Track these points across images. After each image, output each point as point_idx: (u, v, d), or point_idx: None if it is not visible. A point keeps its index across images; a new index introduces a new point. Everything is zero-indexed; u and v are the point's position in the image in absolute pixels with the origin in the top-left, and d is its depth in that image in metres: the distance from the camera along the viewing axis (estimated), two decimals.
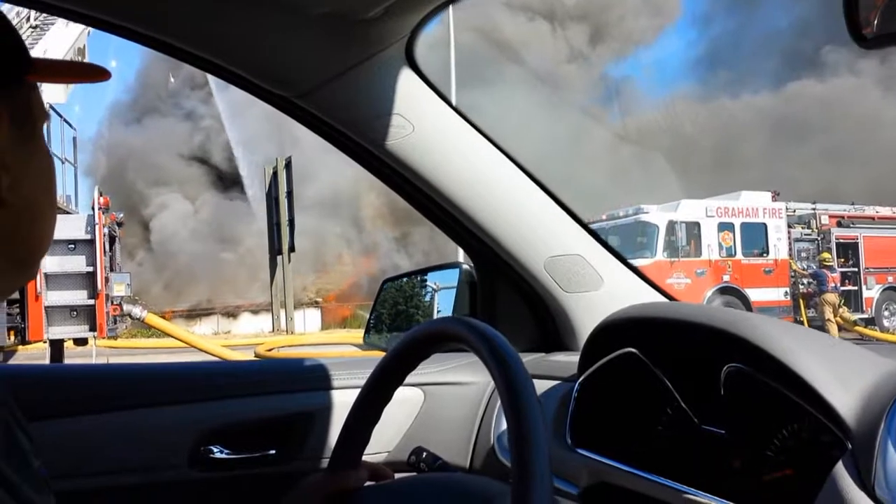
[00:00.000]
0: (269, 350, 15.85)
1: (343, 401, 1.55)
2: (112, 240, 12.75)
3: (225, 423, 1.50)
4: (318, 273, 29.24)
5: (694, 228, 18.12)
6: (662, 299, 1.68)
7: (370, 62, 1.40)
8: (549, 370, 1.53)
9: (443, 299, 2.01)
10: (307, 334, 20.83)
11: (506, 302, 1.74)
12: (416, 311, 2.07)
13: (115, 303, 12.59)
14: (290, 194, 19.57)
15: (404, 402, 1.61)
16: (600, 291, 1.65)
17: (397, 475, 1.43)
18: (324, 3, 1.23)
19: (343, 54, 1.38)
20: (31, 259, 0.76)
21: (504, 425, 1.56)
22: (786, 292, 18.79)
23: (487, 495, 0.93)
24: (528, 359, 1.67)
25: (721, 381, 1.10)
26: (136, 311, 13.66)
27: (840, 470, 0.86)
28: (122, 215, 14.09)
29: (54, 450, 1.32)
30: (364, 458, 1.09)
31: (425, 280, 2.07)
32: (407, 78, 1.47)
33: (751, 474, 1.09)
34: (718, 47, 37.36)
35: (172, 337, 14.52)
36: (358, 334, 18.09)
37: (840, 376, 0.94)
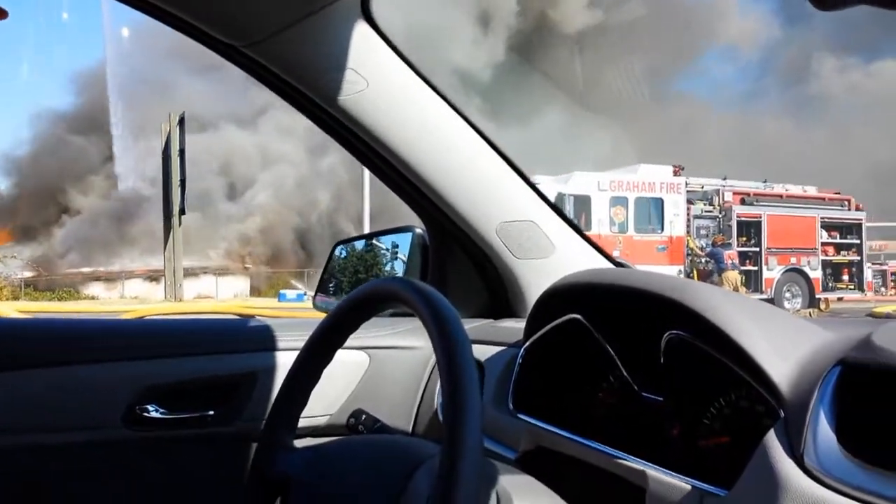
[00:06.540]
0: (140, 318, 15.05)
1: (286, 362, 1.51)
2: None
3: (162, 382, 1.46)
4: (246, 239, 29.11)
5: (584, 202, 17.46)
6: (613, 267, 1.67)
7: (324, 12, 1.34)
8: (497, 336, 1.52)
9: (400, 265, 1.98)
10: (185, 302, 19.60)
11: (457, 267, 1.72)
12: (368, 276, 2.04)
13: None
14: (182, 153, 18.44)
15: (349, 365, 1.59)
16: (551, 258, 1.64)
17: (335, 437, 1.41)
18: None
19: (296, 2, 1.32)
20: None
21: None
22: (679, 270, 17.83)
23: (420, 456, 0.92)
24: (476, 324, 1.66)
25: (661, 348, 1.10)
26: None
27: (771, 438, 0.86)
28: None
29: None
30: (305, 420, 1.07)
31: (378, 244, 2.04)
32: (362, 32, 1.42)
33: (687, 441, 1.09)
34: None
35: None
36: (253, 302, 17.05)
37: (777, 346, 0.94)
